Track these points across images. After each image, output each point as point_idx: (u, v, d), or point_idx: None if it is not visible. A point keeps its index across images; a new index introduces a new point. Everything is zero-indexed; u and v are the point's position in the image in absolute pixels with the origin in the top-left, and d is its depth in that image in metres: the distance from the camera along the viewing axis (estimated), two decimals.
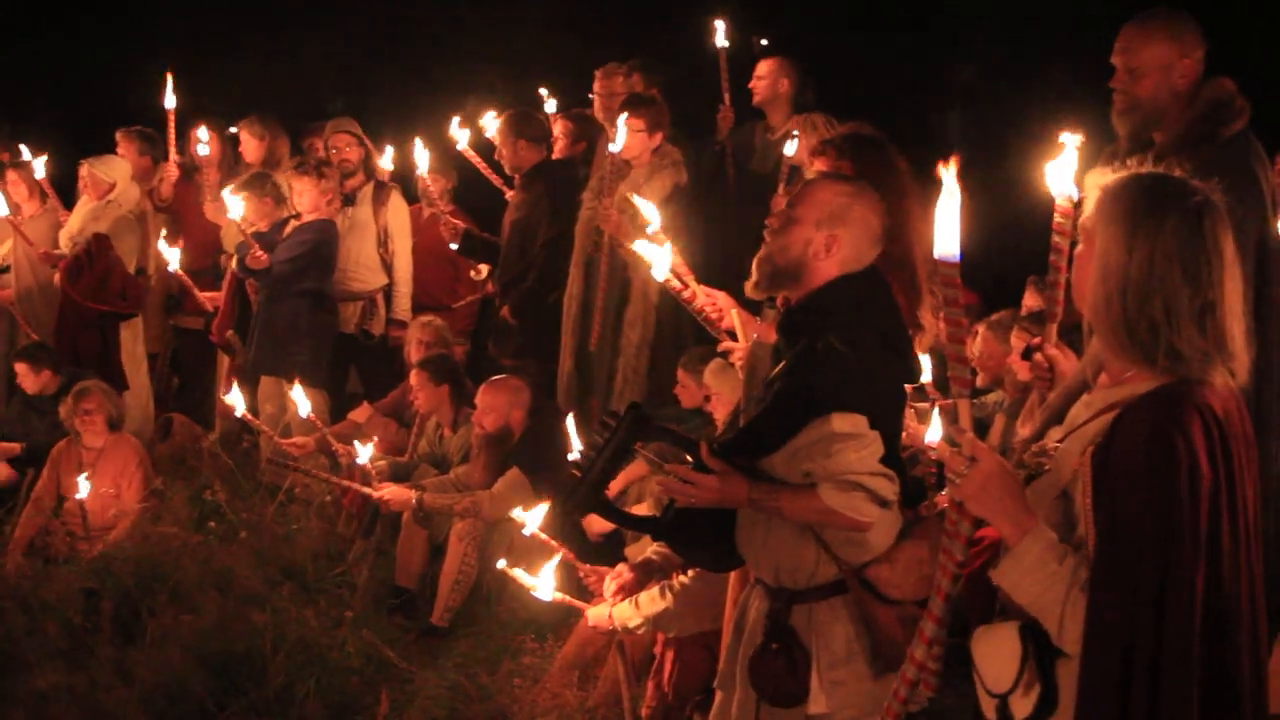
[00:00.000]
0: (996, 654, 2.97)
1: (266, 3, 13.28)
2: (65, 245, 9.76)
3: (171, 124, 9.79)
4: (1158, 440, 2.77)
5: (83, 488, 8.19)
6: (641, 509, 5.93)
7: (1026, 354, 4.12)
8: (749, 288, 4.13)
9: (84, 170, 9.91)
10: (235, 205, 8.62)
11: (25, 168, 10.06)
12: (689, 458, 3.88)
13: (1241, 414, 2.91)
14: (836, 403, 3.77)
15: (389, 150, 9.66)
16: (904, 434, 4.94)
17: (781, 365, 3.94)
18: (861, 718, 3.84)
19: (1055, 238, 3.35)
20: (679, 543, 4.35)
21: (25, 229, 9.86)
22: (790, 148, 7.19)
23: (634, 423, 4.02)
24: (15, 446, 9.11)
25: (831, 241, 3.86)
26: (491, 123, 8.90)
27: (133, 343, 9.73)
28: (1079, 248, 3.03)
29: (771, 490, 3.82)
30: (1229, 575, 2.81)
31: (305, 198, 8.65)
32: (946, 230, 2.87)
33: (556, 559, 5.33)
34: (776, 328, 4.08)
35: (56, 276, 9.68)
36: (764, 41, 8.96)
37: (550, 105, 9.03)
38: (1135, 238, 2.83)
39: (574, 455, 4.72)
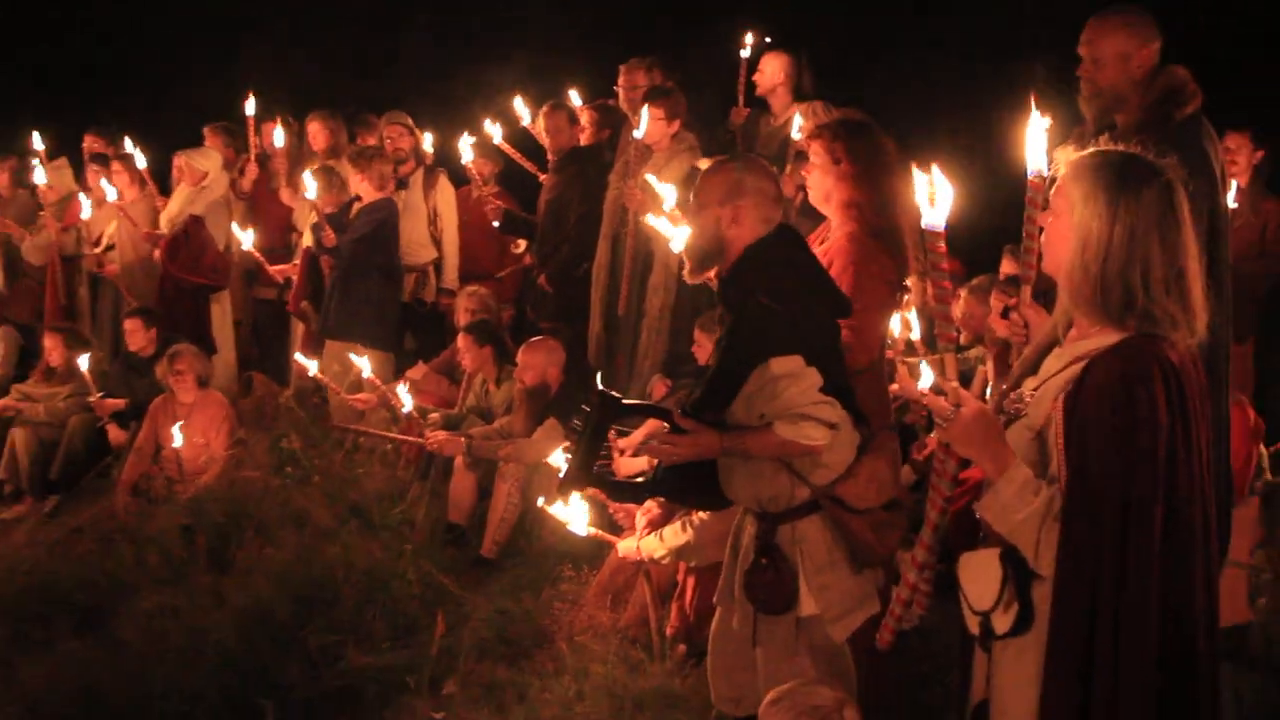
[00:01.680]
0: (980, 577, 3.00)
1: (326, 10, 13.30)
2: (164, 226, 9.82)
3: (251, 125, 9.80)
4: (1122, 388, 2.82)
5: (177, 438, 8.31)
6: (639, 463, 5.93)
7: (1005, 314, 4.14)
8: (685, 276, 4.25)
9: (179, 161, 9.99)
10: (312, 187, 8.67)
11: (128, 159, 10.09)
12: (665, 424, 3.98)
13: (1197, 366, 2.94)
14: (772, 350, 3.85)
15: (428, 136, 9.75)
16: (896, 385, 4.97)
17: (724, 328, 4.03)
18: (848, 613, 3.94)
19: (1028, 210, 3.32)
20: (670, 496, 4.40)
21: (129, 212, 9.91)
22: (794, 129, 7.18)
23: (604, 406, 4.10)
24: (120, 402, 9.19)
25: (736, 213, 3.96)
26: (523, 110, 8.92)
27: (221, 312, 9.80)
28: (1048, 219, 3.02)
29: (737, 436, 3.91)
30: (1185, 505, 2.86)
31: (365, 183, 8.63)
32: (935, 204, 2.90)
33: (588, 502, 5.33)
34: (717, 297, 4.13)
35: (156, 253, 9.77)
36: (767, 38, 8.89)
37: (576, 98, 9.00)
38: (1116, 211, 2.85)
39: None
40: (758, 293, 3.85)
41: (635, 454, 5.11)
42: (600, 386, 4.11)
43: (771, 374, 3.83)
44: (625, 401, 4.23)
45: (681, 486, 4.17)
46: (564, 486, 4.38)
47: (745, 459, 3.95)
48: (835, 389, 3.88)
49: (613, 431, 4.42)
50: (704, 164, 4.42)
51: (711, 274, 4.13)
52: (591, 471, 4.15)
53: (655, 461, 4.31)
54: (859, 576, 3.90)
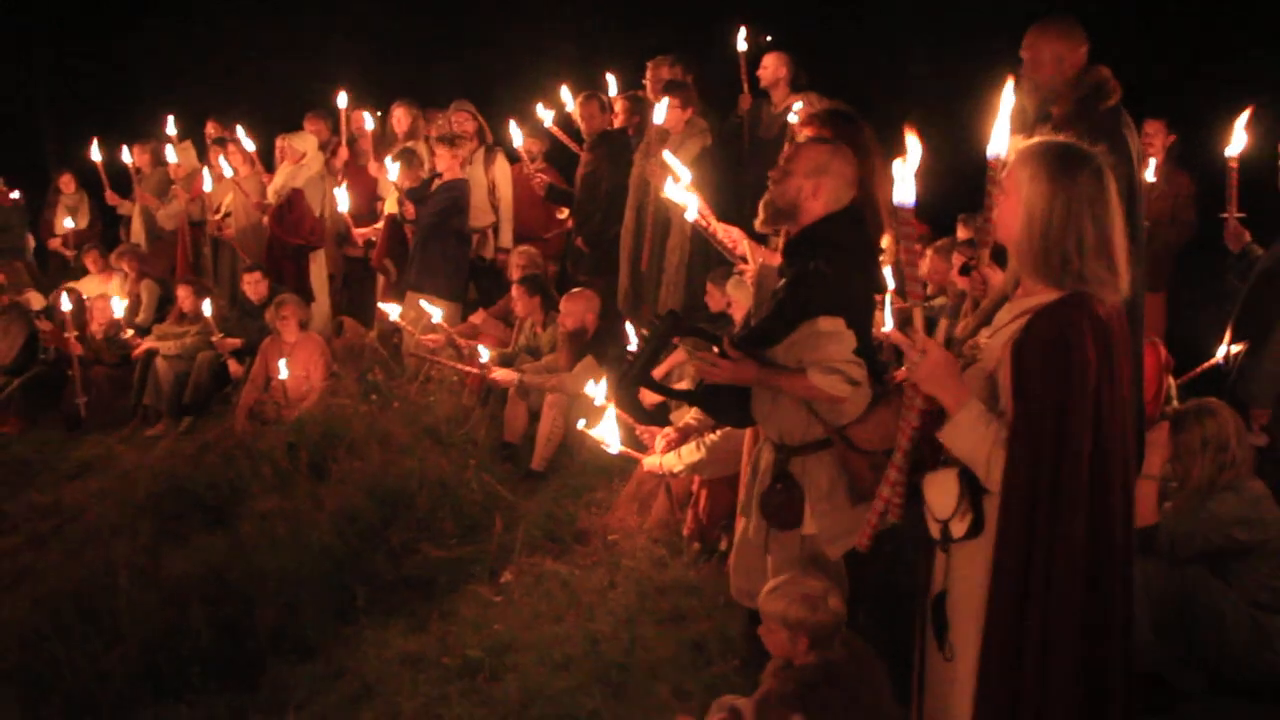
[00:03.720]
0: (941, 491, 3.01)
1: (404, 17, 13.28)
2: (271, 197, 9.80)
3: (341, 114, 9.76)
4: (1058, 338, 2.84)
5: (283, 371, 8.36)
6: (682, 385, 5.94)
7: (964, 270, 4.11)
8: (757, 224, 4.12)
9: (281, 143, 9.99)
10: (393, 170, 8.63)
11: (239, 142, 10.09)
12: (715, 348, 3.89)
13: (1121, 319, 2.95)
14: (821, 309, 3.77)
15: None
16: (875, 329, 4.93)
17: (783, 282, 3.92)
18: (843, 536, 3.87)
19: (988, 186, 3.27)
20: (708, 408, 4.37)
21: (243, 186, 9.92)
22: (793, 116, 7.10)
23: (672, 322, 4.04)
24: (237, 341, 9.27)
25: (817, 188, 3.85)
26: (567, 97, 8.83)
27: (318, 267, 9.76)
28: (1001, 196, 2.99)
29: (774, 372, 3.84)
30: (1107, 433, 2.86)
31: (444, 161, 8.59)
32: (903, 181, 2.90)
33: (617, 417, 5.31)
34: (781, 252, 4.03)
35: (265, 219, 9.78)
36: (769, 37, 8.78)
37: (613, 89, 8.92)
38: (1055, 190, 2.85)
39: (630, 346, 4.70)
40: (819, 259, 3.77)
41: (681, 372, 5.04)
42: (671, 308, 3.99)
43: (817, 329, 3.77)
44: (691, 324, 4.18)
45: (716, 403, 4.11)
46: (625, 382, 4.27)
47: (775, 393, 3.90)
48: (864, 351, 3.83)
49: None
50: (806, 132, 4.28)
51: (779, 230, 4.05)
52: (650, 375, 4.07)
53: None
54: (855, 508, 3.83)
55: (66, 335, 9.64)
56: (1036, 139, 3.00)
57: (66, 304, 9.67)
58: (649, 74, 8.22)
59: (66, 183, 11.79)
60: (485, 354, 7.35)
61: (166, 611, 6.53)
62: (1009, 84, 3.19)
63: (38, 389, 9.96)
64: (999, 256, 3.20)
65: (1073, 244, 2.83)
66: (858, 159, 4.14)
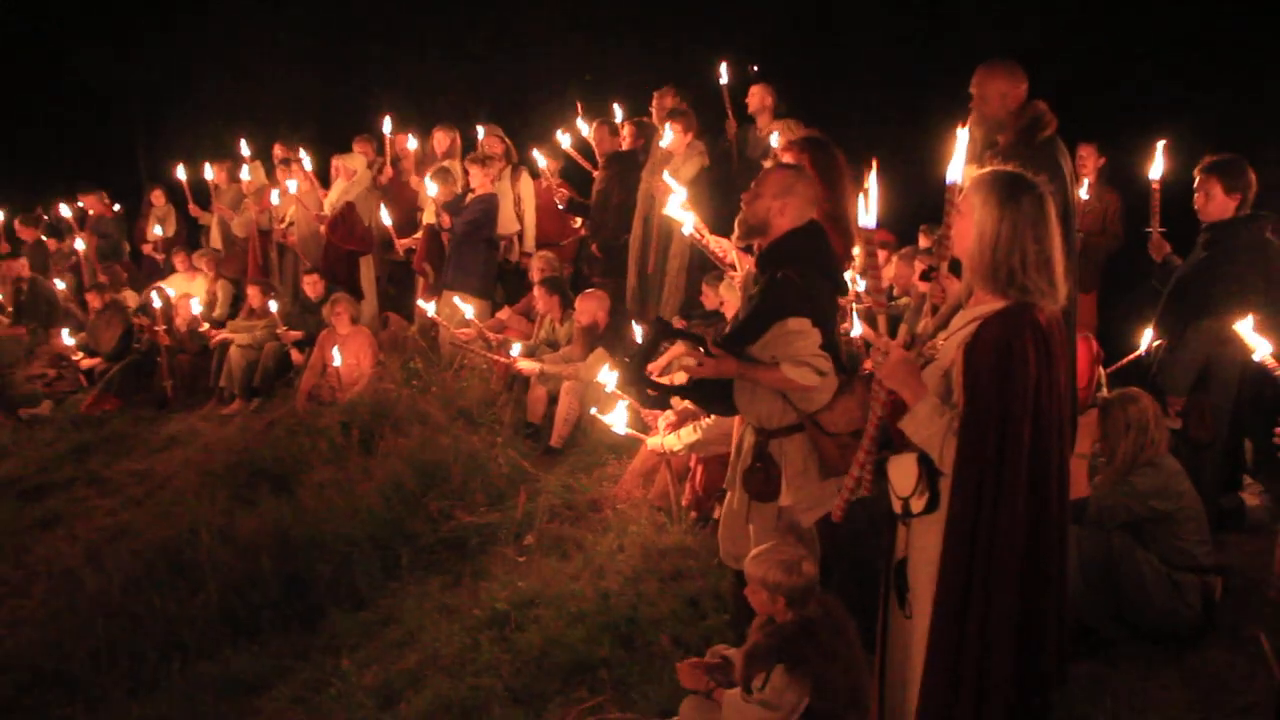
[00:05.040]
0: (902, 473, 3.00)
1: (440, 55, 13.30)
2: (327, 210, 9.72)
3: (386, 139, 9.69)
4: (1003, 341, 2.81)
5: (337, 358, 8.33)
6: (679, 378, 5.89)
7: (924, 275, 4.07)
8: (733, 240, 4.12)
9: (336, 163, 9.91)
10: (432, 187, 8.58)
11: (300, 162, 10.04)
12: (700, 348, 3.87)
13: (1059, 325, 2.93)
14: (790, 311, 3.75)
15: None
16: (843, 326, 4.90)
17: (756, 288, 3.89)
18: (814, 506, 3.87)
19: (947, 207, 3.23)
20: (697, 400, 4.33)
21: (303, 200, 9.87)
22: (774, 140, 7.05)
23: (660, 329, 4.05)
24: (298, 334, 9.26)
25: (784, 207, 3.81)
26: (581, 124, 8.80)
27: (366, 269, 9.69)
28: (957, 217, 2.96)
29: (751, 366, 3.81)
30: (1045, 423, 2.84)
31: (476, 178, 8.51)
32: (866, 207, 2.92)
33: (625, 402, 5.31)
34: (754, 263, 3.99)
35: (322, 229, 9.70)
36: (755, 68, 8.72)
37: (619, 115, 8.87)
38: (1003, 212, 2.82)
39: (637, 340, 4.66)
40: (786, 268, 3.74)
41: (674, 371, 5.03)
42: (657, 317, 3.99)
43: (787, 329, 3.73)
44: (677, 330, 4.16)
45: (703, 395, 4.06)
46: (623, 382, 4.34)
47: (754, 385, 3.86)
48: (829, 346, 3.80)
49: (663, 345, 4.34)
50: (785, 157, 4.24)
51: (753, 243, 3.99)
52: (644, 373, 4.03)
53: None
54: (824, 482, 3.80)
55: (157, 328, 9.70)
56: (989, 168, 2.97)
57: (157, 301, 9.72)
58: (654, 102, 8.14)
59: (157, 197, 11.77)
60: (517, 348, 7.31)
61: (240, 564, 6.56)
62: (964, 127, 3.14)
63: (133, 374, 10.00)
64: (955, 268, 3.17)
65: (1018, 260, 2.79)
66: (830, 180, 4.10)
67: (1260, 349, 3.27)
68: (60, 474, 8.82)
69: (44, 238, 11.84)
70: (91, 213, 11.66)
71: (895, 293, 6.91)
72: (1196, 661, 3.99)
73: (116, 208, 12.01)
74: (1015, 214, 2.81)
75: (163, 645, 6.17)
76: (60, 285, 11.12)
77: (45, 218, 12.09)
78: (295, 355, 9.24)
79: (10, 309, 10.85)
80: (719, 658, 3.81)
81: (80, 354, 10.44)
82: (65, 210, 11.99)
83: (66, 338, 10.46)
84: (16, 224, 11.77)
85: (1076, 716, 3.64)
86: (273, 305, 9.52)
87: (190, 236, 11.75)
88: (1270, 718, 3.01)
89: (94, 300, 10.52)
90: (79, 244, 11.41)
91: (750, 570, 3.63)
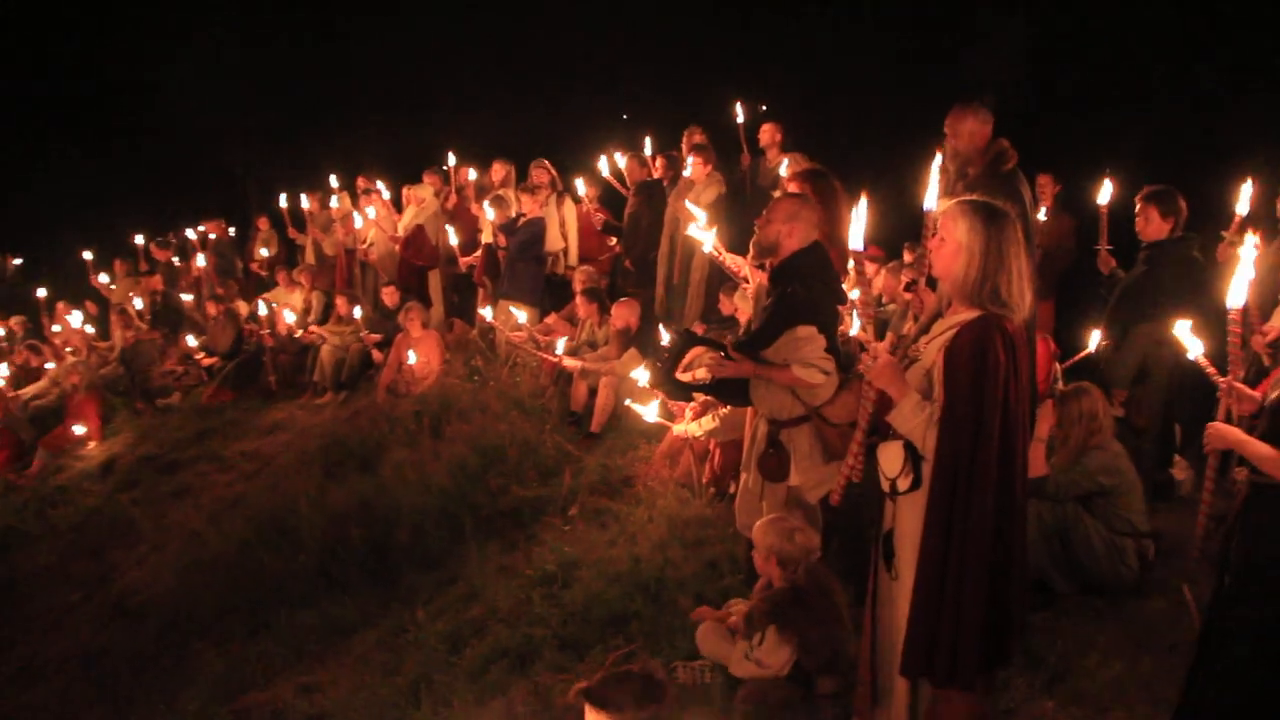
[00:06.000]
0: (890, 457, 2.97)
1: (499, 99, 13.35)
2: (401, 232, 9.70)
3: (451, 170, 9.69)
4: (978, 345, 2.79)
5: (411, 357, 8.35)
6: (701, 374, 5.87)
7: (908, 287, 4.05)
8: (748, 258, 4.12)
9: (407, 191, 9.88)
10: (490, 212, 8.57)
11: (379, 191, 10.05)
12: (721, 352, 3.88)
13: (1023, 331, 2.91)
14: (798, 320, 3.75)
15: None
16: (841, 328, 4.87)
17: (769, 300, 3.89)
18: (818, 486, 3.86)
19: (925, 230, 3.21)
20: (719, 395, 4.33)
21: (381, 224, 9.88)
22: (783, 169, 7.03)
23: (687, 337, 4.09)
24: (378, 336, 9.27)
25: (791, 231, 3.80)
26: (618, 156, 8.79)
27: (435, 282, 9.69)
28: (937, 241, 2.94)
29: (765, 367, 3.82)
30: (1012, 415, 2.81)
31: (527, 204, 8.51)
32: (855, 233, 2.93)
33: (656, 401, 5.32)
34: (767, 279, 4.00)
35: (397, 248, 9.70)
36: (765, 107, 8.68)
37: (649, 149, 8.84)
38: (988, 236, 2.80)
39: (664, 343, 4.64)
40: (795, 284, 3.74)
41: (696, 369, 5.04)
42: (685, 329, 3.97)
43: (797, 335, 3.74)
44: (700, 337, 4.17)
45: (723, 391, 4.08)
46: (653, 385, 4.33)
47: (768, 383, 3.87)
48: (832, 349, 3.80)
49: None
50: (791, 186, 4.25)
51: (766, 261, 4.00)
52: (673, 376, 4.06)
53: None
54: (828, 465, 3.80)
55: (263, 332, 9.79)
56: (965, 198, 2.95)
57: (263, 310, 9.81)
58: (685, 139, 8.08)
59: (263, 223, 11.85)
60: (562, 346, 7.32)
61: (333, 530, 6.63)
62: (935, 160, 3.13)
63: (244, 370, 10.08)
64: (932, 283, 3.15)
65: (1003, 277, 2.79)
66: (829, 206, 4.08)
67: (1194, 349, 3.23)
68: (187, 453, 8.96)
69: (174, 258, 11.97)
70: (211, 236, 11.74)
71: (884, 300, 6.86)
72: (1133, 610, 4.00)
73: (231, 232, 12.12)
74: (999, 237, 2.80)
75: (272, 596, 6.26)
76: (187, 297, 11.23)
77: (174, 241, 12.23)
78: (376, 354, 9.25)
79: (148, 317, 11.01)
80: (733, 611, 3.82)
81: (202, 354, 10.53)
82: (190, 234, 12.12)
83: (191, 340, 10.55)
84: (152, 247, 11.88)
85: (1034, 656, 3.66)
86: (357, 312, 9.58)
87: (289, 256, 11.82)
88: (1192, 654, 3.02)
89: (213, 309, 10.64)
90: (201, 262, 11.51)
91: (756, 536, 3.64)
